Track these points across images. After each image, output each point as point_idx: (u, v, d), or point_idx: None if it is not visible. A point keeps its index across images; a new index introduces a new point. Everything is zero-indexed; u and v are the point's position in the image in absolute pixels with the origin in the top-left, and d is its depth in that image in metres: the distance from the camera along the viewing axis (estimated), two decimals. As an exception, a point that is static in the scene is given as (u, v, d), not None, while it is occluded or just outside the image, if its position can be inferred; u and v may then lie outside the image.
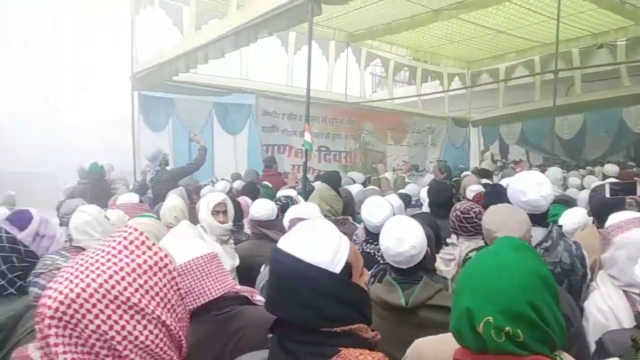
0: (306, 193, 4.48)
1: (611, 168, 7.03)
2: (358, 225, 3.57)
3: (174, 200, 3.61)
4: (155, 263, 1.07)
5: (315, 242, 1.09)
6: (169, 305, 1.08)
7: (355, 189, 4.82)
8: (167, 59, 6.69)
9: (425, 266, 1.99)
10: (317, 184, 3.96)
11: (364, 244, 2.82)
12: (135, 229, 1.10)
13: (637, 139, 10.13)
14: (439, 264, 2.71)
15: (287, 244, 1.10)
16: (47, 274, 1.79)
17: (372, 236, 2.75)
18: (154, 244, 1.10)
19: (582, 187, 5.80)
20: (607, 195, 2.63)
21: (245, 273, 2.81)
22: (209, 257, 1.70)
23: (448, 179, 6.05)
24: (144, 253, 1.07)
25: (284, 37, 8.33)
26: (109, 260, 1.03)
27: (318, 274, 1.05)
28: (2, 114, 14.78)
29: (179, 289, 1.12)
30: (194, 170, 5.93)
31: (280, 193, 4.42)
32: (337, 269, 1.07)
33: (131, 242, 1.07)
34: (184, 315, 1.15)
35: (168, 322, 1.06)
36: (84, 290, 0.96)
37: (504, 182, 3.96)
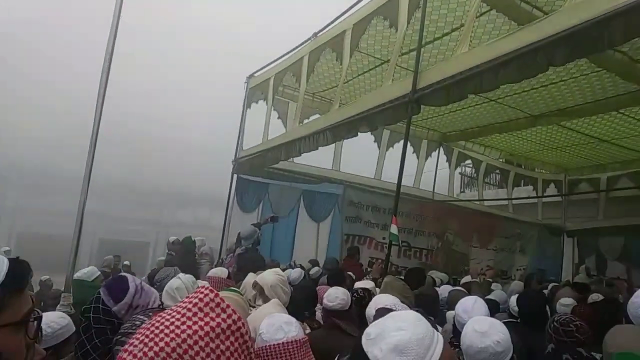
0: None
1: None
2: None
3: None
4: (229, 326, 1.10)
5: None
6: None
7: (443, 290, 4.65)
8: (269, 147, 7.20)
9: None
10: (386, 277, 3.89)
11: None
12: (211, 290, 1.14)
13: None
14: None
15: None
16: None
17: (458, 338, 2.64)
18: (228, 306, 1.13)
19: None
20: None
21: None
22: (301, 342, 1.74)
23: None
24: (217, 316, 1.10)
25: (377, 133, 8.64)
26: (183, 323, 1.07)
27: None
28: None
29: (250, 353, 1.13)
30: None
31: (359, 284, 4.34)
32: None
33: (206, 304, 1.11)
34: None
35: None
36: (157, 354, 1.00)
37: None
